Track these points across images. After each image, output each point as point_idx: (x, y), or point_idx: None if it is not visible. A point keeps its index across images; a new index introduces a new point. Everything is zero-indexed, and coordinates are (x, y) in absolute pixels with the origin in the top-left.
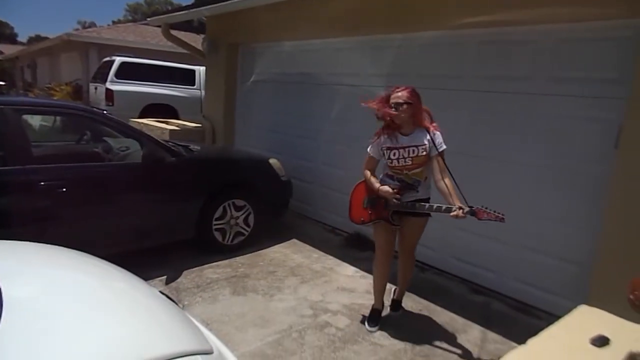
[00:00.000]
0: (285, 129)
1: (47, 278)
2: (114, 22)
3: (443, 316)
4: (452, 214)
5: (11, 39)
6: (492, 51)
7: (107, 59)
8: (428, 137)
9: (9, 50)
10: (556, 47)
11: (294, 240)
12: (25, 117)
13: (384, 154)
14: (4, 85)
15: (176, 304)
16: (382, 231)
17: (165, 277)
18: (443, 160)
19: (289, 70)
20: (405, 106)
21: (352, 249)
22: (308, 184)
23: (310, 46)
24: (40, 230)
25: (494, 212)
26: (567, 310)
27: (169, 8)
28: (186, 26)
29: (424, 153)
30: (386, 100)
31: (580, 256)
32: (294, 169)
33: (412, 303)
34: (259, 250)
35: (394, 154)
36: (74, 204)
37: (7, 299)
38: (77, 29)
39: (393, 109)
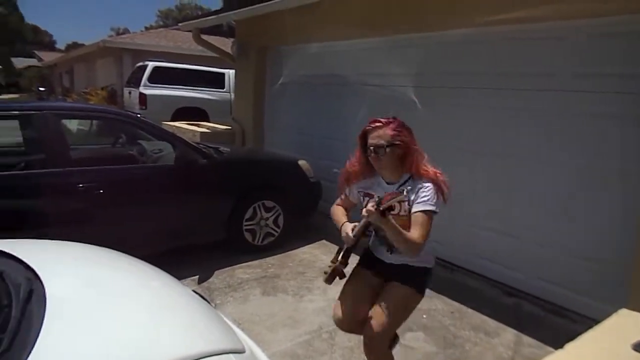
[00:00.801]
0: (313, 131)
1: (87, 276)
2: (146, 28)
3: (475, 318)
4: (363, 214)
5: (50, 46)
6: (519, 48)
7: (141, 64)
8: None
9: (48, 57)
10: (585, 42)
11: (324, 241)
12: (64, 121)
13: (361, 199)
14: (44, 90)
15: (209, 303)
16: (348, 295)
17: (197, 276)
18: (424, 222)
19: (317, 72)
20: (388, 149)
21: None
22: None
23: (337, 47)
24: (78, 230)
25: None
26: (603, 313)
27: (199, 13)
28: (216, 30)
29: (405, 214)
30: (362, 138)
31: (615, 257)
32: (323, 171)
33: (442, 305)
34: (288, 251)
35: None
36: (110, 204)
37: (50, 296)
38: (111, 36)
39: (372, 153)
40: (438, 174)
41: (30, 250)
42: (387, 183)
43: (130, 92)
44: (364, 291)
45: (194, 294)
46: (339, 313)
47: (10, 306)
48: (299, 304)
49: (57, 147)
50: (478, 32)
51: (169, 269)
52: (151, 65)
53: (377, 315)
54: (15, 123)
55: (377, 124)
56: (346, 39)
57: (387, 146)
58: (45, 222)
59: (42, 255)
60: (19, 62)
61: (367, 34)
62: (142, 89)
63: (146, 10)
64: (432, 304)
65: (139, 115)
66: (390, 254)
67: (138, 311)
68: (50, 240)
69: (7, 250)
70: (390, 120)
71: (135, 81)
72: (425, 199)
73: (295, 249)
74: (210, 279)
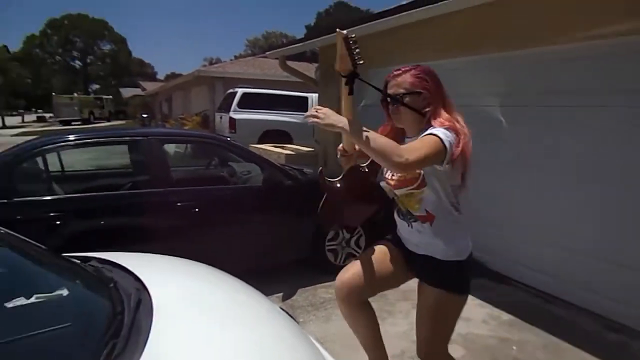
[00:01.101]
0: None
1: (187, 288)
2: (235, 57)
3: (572, 354)
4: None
5: (152, 77)
6: (622, 63)
7: (231, 90)
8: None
9: (150, 87)
10: None
11: None
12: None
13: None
14: (146, 117)
15: (294, 320)
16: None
17: (281, 294)
18: (424, 140)
19: None
20: (408, 98)
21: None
22: None
23: None
24: (177, 245)
25: None
26: None
27: (284, 40)
28: (299, 56)
29: (414, 186)
30: (384, 88)
31: None
32: None
33: (534, 337)
34: None
35: None
36: (205, 222)
37: (156, 306)
38: (204, 65)
39: (391, 103)
40: (450, 124)
41: (137, 263)
42: (406, 137)
43: (221, 117)
44: (385, 259)
45: (281, 310)
46: (349, 272)
47: (123, 314)
48: (380, 327)
49: (159, 169)
50: (574, 48)
51: (255, 286)
52: (240, 91)
53: (421, 330)
54: (124, 147)
55: (397, 72)
56: (433, 60)
57: (406, 94)
58: (149, 237)
59: (148, 267)
60: (126, 92)
61: (455, 54)
62: (231, 114)
63: (235, 40)
64: (523, 335)
65: (228, 139)
66: (410, 227)
67: (232, 324)
68: (154, 254)
69: (118, 262)
70: (414, 66)
71: (225, 107)
72: (436, 128)
73: None
74: (294, 297)
